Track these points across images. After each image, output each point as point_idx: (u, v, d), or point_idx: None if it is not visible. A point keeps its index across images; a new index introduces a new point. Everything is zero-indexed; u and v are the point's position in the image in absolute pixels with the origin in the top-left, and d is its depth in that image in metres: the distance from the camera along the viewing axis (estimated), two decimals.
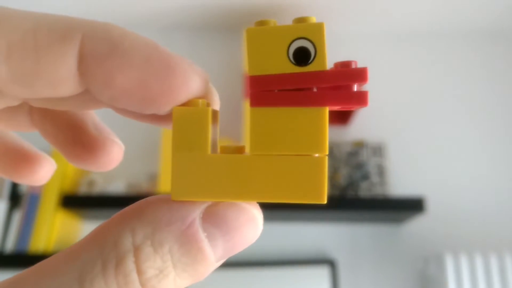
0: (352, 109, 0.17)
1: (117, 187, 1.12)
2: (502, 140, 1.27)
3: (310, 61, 0.16)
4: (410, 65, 1.33)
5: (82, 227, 1.20)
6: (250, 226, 0.16)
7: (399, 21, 1.30)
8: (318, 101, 0.16)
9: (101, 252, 0.14)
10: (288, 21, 0.17)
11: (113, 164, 0.21)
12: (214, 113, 0.17)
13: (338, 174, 1.17)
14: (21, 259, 1.03)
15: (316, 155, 0.16)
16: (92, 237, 0.14)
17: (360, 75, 0.16)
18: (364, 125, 1.23)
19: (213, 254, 0.15)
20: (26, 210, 1.08)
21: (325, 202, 0.15)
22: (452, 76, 1.32)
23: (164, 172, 1.10)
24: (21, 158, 0.21)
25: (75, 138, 0.20)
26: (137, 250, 0.14)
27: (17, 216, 1.07)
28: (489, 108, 1.29)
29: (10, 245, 1.05)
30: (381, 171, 1.17)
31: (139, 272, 0.14)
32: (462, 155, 1.25)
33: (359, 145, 1.19)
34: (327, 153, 0.16)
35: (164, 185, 1.09)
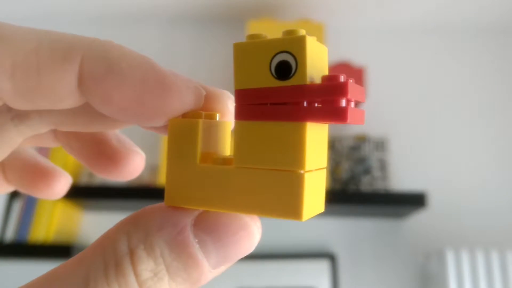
0: (334, 123, 0.16)
1: None
2: (505, 135, 1.26)
3: (291, 75, 0.16)
4: (414, 60, 1.32)
5: (83, 217, 1.20)
6: (242, 234, 0.16)
7: (403, 16, 1.29)
8: (297, 115, 0.15)
9: (103, 256, 0.15)
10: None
11: (136, 173, 0.22)
12: (213, 124, 0.17)
13: (340, 168, 1.17)
14: (21, 249, 1.04)
15: (301, 171, 0.15)
16: (97, 243, 0.15)
17: (339, 89, 0.15)
18: (366, 120, 1.20)
19: (206, 260, 0.15)
20: (26, 200, 1.08)
21: (302, 219, 0.15)
22: (455, 72, 1.31)
23: (165, 164, 1.09)
24: (39, 173, 0.22)
25: (100, 152, 0.21)
26: (132, 253, 0.15)
27: (17, 206, 1.08)
28: (492, 104, 1.29)
29: (10, 235, 1.05)
30: (383, 166, 1.16)
31: (136, 274, 0.15)
32: (464, 150, 1.24)
33: (361, 140, 1.18)
34: (305, 169, 0.15)
35: (164, 178, 1.08)
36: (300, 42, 0.16)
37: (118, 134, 0.22)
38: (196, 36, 1.34)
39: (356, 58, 1.23)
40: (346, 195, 1.09)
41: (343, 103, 0.15)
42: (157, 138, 1.15)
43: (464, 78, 1.31)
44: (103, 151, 0.21)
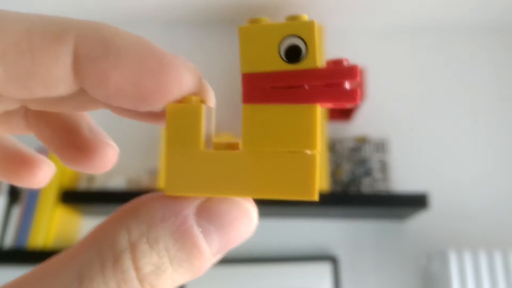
0: (343, 107, 0.17)
1: (117, 182, 1.12)
2: (506, 136, 1.26)
3: (301, 58, 0.16)
4: (414, 61, 1.32)
5: (82, 223, 1.20)
6: (244, 220, 0.16)
7: (403, 16, 1.29)
8: (308, 98, 0.16)
9: (98, 251, 0.14)
10: (287, 16, 0.17)
11: (107, 167, 0.21)
12: (209, 109, 0.17)
13: (341, 170, 1.16)
14: (20, 255, 1.03)
15: (308, 151, 0.16)
16: (90, 238, 0.15)
17: (350, 73, 0.16)
18: (366, 121, 1.22)
19: (209, 248, 0.15)
20: (26, 205, 1.08)
21: (316, 199, 0.16)
22: (456, 72, 1.31)
23: (164, 168, 1.09)
24: (20, 161, 0.21)
25: (70, 141, 0.20)
26: (133, 248, 0.14)
27: (17, 211, 1.07)
28: (493, 104, 1.29)
29: (9, 241, 1.05)
30: (383, 167, 1.16)
31: (137, 268, 0.14)
32: (466, 151, 1.24)
33: (361, 141, 1.18)
34: (318, 149, 0.16)
35: (164, 181, 1.08)
36: (309, 27, 0.16)
37: (91, 124, 0.21)
38: (195, 39, 1.34)
39: (355, 59, 1.23)
40: (347, 197, 1.08)
41: (347, 85, 0.16)
42: (156, 141, 1.15)
43: (465, 79, 1.31)
44: (73, 141, 0.20)
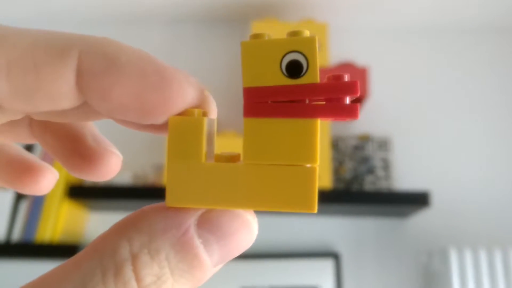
0: (343, 120, 0.17)
1: (123, 178, 1.13)
2: (507, 135, 1.26)
3: (302, 73, 0.16)
4: (416, 60, 1.32)
5: (88, 217, 1.21)
6: (244, 232, 0.16)
7: (405, 16, 1.29)
8: (309, 113, 0.16)
9: (100, 262, 0.14)
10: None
11: (111, 175, 0.21)
12: (210, 121, 0.17)
13: (343, 168, 1.17)
14: (28, 249, 1.04)
15: (308, 165, 0.16)
16: (92, 248, 0.15)
17: (351, 88, 0.16)
18: (369, 119, 1.22)
19: (210, 259, 0.16)
20: (33, 200, 1.09)
21: (315, 211, 0.16)
22: (458, 71, 1.31)
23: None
24: (24, 168, 0.21)
25: (74, 150, 0.20)
26: (134, 259, 0.14)
27: (24, 206, 1.08)
28: (495, 103, 1.29)
29: (17, 235, 1.06)
30: (386, 165, 1.16)
31: (138, 279, 0.14)
32: (467, 150, 1.24)
33: (364, 139, 1.19)
34: (317, 163, 0.16)
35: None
36: (311, 43, 0.16)
37: (95, 132, 0.21)
38: (199, 37, 1.34)
39: (359, 58, 1.24)
40: (349, 195, 1.09)
41: (347, 100, 0.16)
42: (162, 137, 1.15)
43: (467, 78, 1.31)
44: (77, 150, 0.20)
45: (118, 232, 0.15)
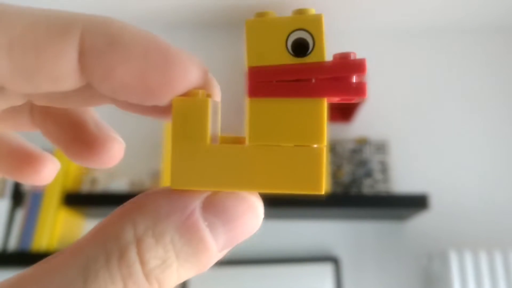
0: (351, 101, 0.16)
1: (119, 185, 1.12)
2: (506, 137, 1.26)
3: (308, 52, 0.16)
4: (414, 62, 1.32)
5: (85, 225, 1.20)
6: (250, 215, 0.16)
7: (404, 17, 1.29)
8: (316, 92, 0.16)
9: (104, 246, 0.14)
10: (295, 9, 0.17)
11: (114, 161, 0.21)
12: (215, 103, 0.17)
13: (341, 171, 1.17)
14: (24, 258, 1.03)
15: (315, 145, 0.16)
16: (95, 232, 0.15)
17: (358, 66, 0.16)
18: (367, 122, 1.22)
19: (215, 243, 0.15)
20: (29, 209, 1.08)
21: (323, 193, 0.16)
22: (456, 73, 1.32)
23: (167, 169, 1.10)
24: (25, 158, 0.21)
25: (76, 136, 0.20)
26: (139, 242, 0.14)
27: (20, 215, 1.08)
28: (493, 105, 1.29)
29: (13, 243, 1.05)
30: (384, 168, 1.16)
31: (142, 262, 0.14)
32: (466, 152, 1.24)
33: (362, 142, 1.19)
34: (325, 143, 0.16)
35: (167, 182, 1.08)
36: (317, 21, 0.16)
37: (96, 119, 0.21)
38: (197, 41, 1.34)
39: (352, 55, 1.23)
40: (348, 198, 1.09)
41: (354, 79, 0.16)
42: (158, 143, 1.15)
43: (465, 81, 1.31)
44: (79, 136, 0.20)
45: (122, 216, 0.15)
